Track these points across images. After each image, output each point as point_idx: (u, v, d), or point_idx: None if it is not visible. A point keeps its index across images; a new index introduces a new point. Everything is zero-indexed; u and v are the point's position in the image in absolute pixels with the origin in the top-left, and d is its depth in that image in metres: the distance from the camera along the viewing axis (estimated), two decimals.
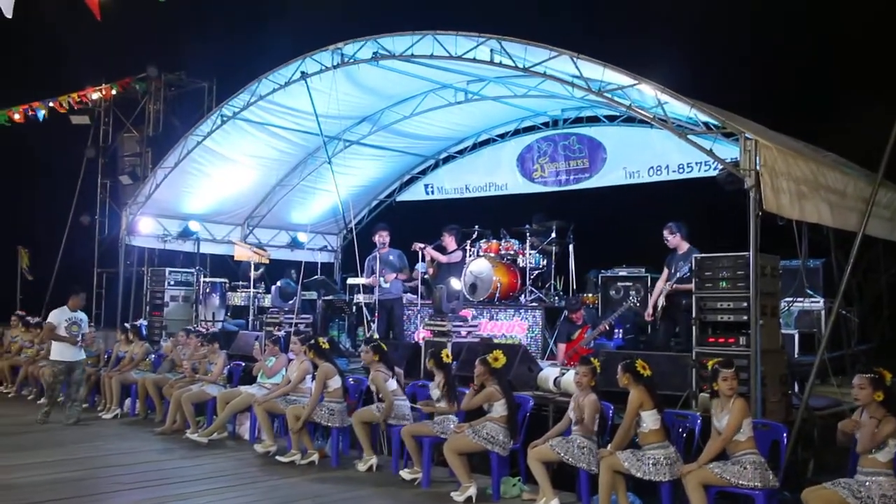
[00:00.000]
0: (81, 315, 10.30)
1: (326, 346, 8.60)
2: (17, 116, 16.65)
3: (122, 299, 13.53)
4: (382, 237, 11.59)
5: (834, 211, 7.87)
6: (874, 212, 7.97)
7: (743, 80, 13.25)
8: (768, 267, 7.31)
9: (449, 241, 11.65)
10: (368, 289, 11.37)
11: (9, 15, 5.37)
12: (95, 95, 17.35)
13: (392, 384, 8.03)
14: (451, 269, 11.66)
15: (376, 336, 10.60)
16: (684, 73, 10.86)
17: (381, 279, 11.28)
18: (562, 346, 10.08)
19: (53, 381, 10.15)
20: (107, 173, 17.68)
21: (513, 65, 8.97)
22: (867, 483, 5.23)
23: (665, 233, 9.14)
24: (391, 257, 11.56)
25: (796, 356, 9.28)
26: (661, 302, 9.03)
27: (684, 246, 9.00)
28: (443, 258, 11.71)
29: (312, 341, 8.60)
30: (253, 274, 12.83)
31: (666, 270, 9.13)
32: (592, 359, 6.90)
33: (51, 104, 16.85)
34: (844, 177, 8.26)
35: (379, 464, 7.93)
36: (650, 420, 6.13)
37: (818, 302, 10.03)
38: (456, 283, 10.15)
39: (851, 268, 7.34)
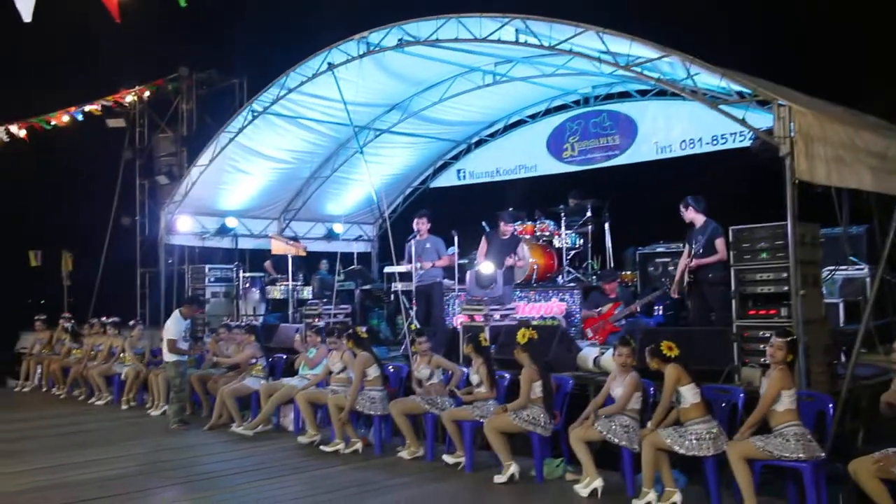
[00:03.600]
0: (190, 323, 10.35)
1: (365, 335, 8.67)
2: (65, 118, 16.89)
3: (164, 298, 13.71)
4: (420, 224, 11.54)
5: (875, 175, 7.64)
6: None
7: (777, 46, 12.97)
8: (808, 235, 7.14)
9: (507, 229, 11.25)
10: (406, 276, 11.35)
11: (28, 18, 5.38)
12: (129, 98, 17.57)
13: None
14: (503, 252, 11.30)
15: (416, 324, 10.61)
16: (715, 43, 10.67)
17: (418, 266, 11.24)
18: (585, 313, 10.03)
19: (181, 381, 9.92)
20: (144, 174, 17.91)
21: (538, 44, 8.88)
22: None
23: (681, 208, 9.01)
24: (428, 244, 11.52)
25: (842, 325, 9.10)
26: (686, 278, 8.90)
27: (700, 219, 8.87)
28: (518, 262, 10.94)
29: (351, 331, 8.66)
30: (271, 272, 13.01)
31: (687, 246, 9.01)
32: (627, 337, 6.84)
33: (87, 108, 17.11)
34: (885, 139, 8.02)
35: (423, 451, 7.95)
36: (689, 394, 6.06)
37: (863, 269, 9.80)
38: (488, 268, 10.06)
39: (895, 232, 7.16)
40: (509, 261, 10.54)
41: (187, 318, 10.13)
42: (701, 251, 8.63)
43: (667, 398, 6.16)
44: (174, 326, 9.93)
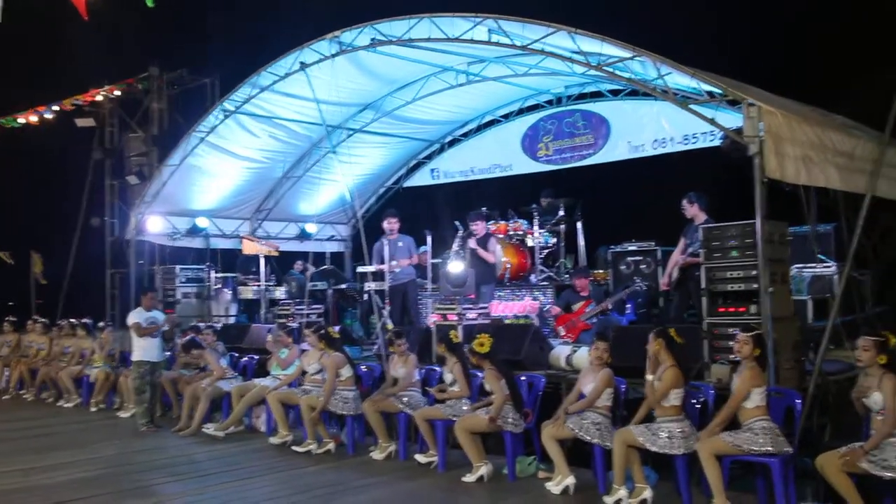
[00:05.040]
0: (158, 314, 10.14)
1: (336, 335, 8.65)
2: (33, 118, 16.68)
3: (134, 299, 13.55)
4: (391, 224, 11.51)
5: (842, 174, 7.76)
6: (885, 172, 7.88)
7: (746, 47, 13.10)
8: (776, 234, 7.22)
9: (480, 228, 11.26)
10: (379, 276, 11.32)
11: None
12: (99, 97, 17.36)
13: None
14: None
15: (390, 324, 10.58)
16: (686, 43, 10.74)
17: (395, 263, 11.20)
18: (556, 309, 10.04)
19: (140, 383, 9.78)
20: (114, 174, 17.67)
21: (511, 43, 8.92)
22: (885, 446, 5.19)
23: (684, 202, 9.00)
24: (401, 243, 11.49)
25: (810, 322, 9.20)
26: (675, 273, 8.96)
27: (701, 217, 8.86)
28: (488, 257, 10.92)
29: (323, 331, 8.64)
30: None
31: (682, 241, 9.05)
32: (605, 332, 6.88)
33: (56, 108, 16.90)
34: (852, 139, 8.14)
35: (396, 450, 7.94)
36: (674, 397, 6.11)
37: (830, 267, 9.92)
38: (457, 267, 10.07)
39: (865, 231, 7.26)
40: (476, 247, 10.55)
41: (150, 308, 10.01)
42: (696, 250, 8.59)
43: (659, 397, 6.16)
44: (137, 315, 9.89)
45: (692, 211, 8.98)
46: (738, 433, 5.74)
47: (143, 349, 9.82)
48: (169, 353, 11.06)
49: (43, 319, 13.82)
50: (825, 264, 9.81)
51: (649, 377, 6.23)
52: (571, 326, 9.70)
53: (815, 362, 6.96)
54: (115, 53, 17.80)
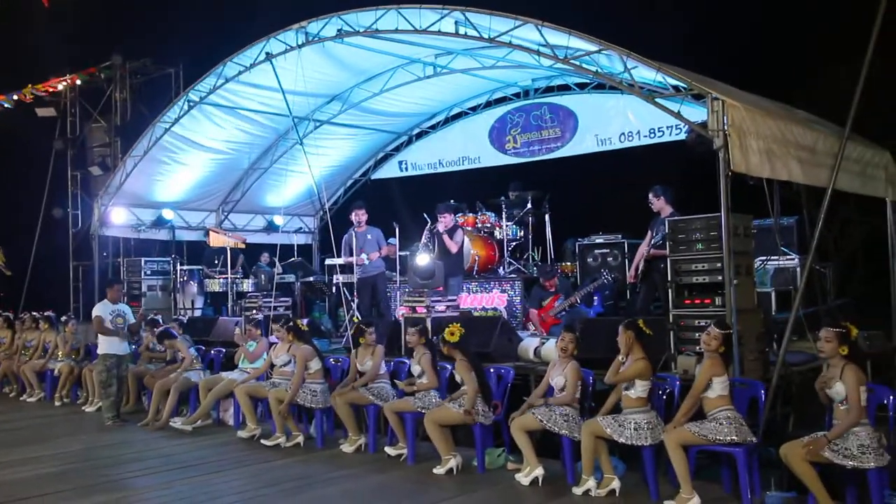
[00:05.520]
0: (124, 307, 9.94)
1: (305, 328, 8.62)
2: None
3: (98, 291, 13.38)
4: (359, 216, 11.47)
5: (804, 167, 7.89)
6: (845, 166, 8.01)
7: (712, 42, 13.26)
8: (741, 227, 7.33)
9: (448, 220, 11.23)
10: (347, 268, 11.29)
11: None
12: (61, 86, 17.08)
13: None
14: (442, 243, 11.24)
15: (356, 316, 10.57)
16: (653, 38, 10.84)
17: (364, 257, 11.17)
18: (534, 312, 10.10)
19: (107, 376, 9.61)
20: (77, 165, 17.41)
21: (478, 35, 8.91)
22: (847, 436, 5.30)
23: (650, 195, 9.11)
24: (369, 236, 11.47)
25: (774, 313, 9.36)
26: (642, 266, 9.06)
27: (667, 210, 8.96)
28: (451, 245, 10.82)
29: (291, 324, 8.60)
30: (230, 262, 12.77)
31: (649, 234, 9.14)
32: (571, 323, 6.93)
33: (15, 97, 16.59)
34: (814, 133, 8.28)
35: (365, 443, 7.94)
36: (640, 388, 6.17)
37: (793, 259, 10.10)
38: (423, 259, 10.09)
39: (826, 224, 7.40)
40: (449, 243, 10.59)
41: (115, 301, 9.85)
42: (661, 242, 8.71)
43: (621, 380, 6.23)
44: (101, 308, 9.73)
45: (658, 204, 9.07)
46: (703, 423, 5.83)
47: (109, 342, 9.67)
48: (134, 347, 10.93)
49: (5, 313, 13.58)
50: (788, 257, 9.99)
51: (620, 357, 6.30)
52: (542, 321, 9.77)
53: (779, 353, 7.09)
54: (77, 41, 17.51)
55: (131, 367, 10.38)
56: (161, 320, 10.97)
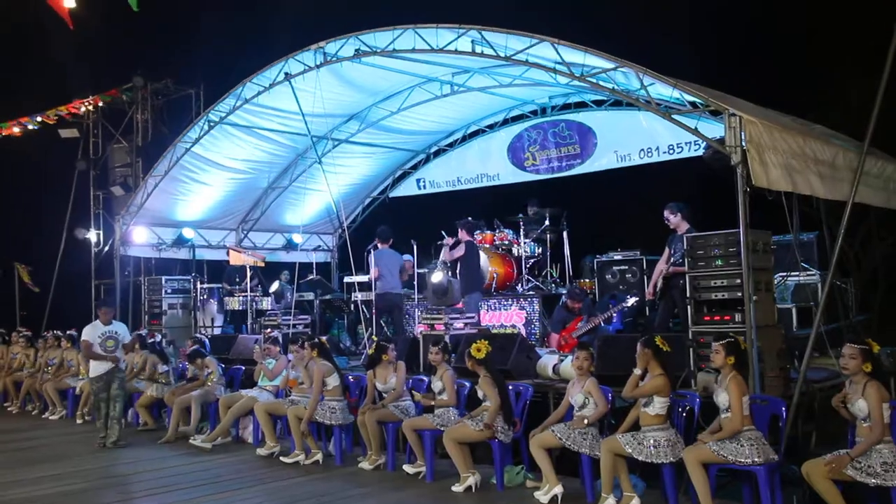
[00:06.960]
0: (117, 327, 9.75)
1: (327, 345, 8.67)
2: (16, 129, 16.62)
3: (119, 310, 13.49)
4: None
5: (824, 182, 7.85)
6: (865, 181, 7.97)
7: (730, 59, 13.25)
8: (760, 242, 7.30)
9: (461, 235, 11.20)
10: (366, 286, 11.32)
11: None
12: (83, 108, 17.33)
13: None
14: (463, 263, 11.30)
15: (374, 335, 10.58)
16: (670, 54, 10.85)
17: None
18: (555, 336, 9.94)
19: (95, 399, 9.63)
20: (99, 185, 17.65)
21: (495, 54, 8.97)
22: (870, 453, 5.24)
23: (666, 213, 9.08)
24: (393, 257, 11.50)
25: (794, 330, 9.28)
26: (660, 283, 9.01)
27: (684, 226, 8.92)
28: (447, 255, 11.07)
29: (315, 340, 8.63)
30: (249, 282, 12.84)
31: (667, 251, 9.10)
32: (585, 341, 6.90)
33: (39, 118, 16.83)
34: (833, 148, 8.24)
35: (384, 461, 7.93)
36: (659, 405, 6.13)
37: (814, 275, 10.01)
38: (436, 276, 10.10)
39: (848, 239, 7.34)
40: (445, 254, 10.65)
41: (107, 322, 9.64)
42: (680, 260, 8.67)
43: (638, 394, 6.20)
44: (90, 331, 9.56)
45: (675, 221, 9.05)
46: (724, 443, 5.76)
47: (96, 366, 9.53)
48: (166, 369, 10.88)
49: (27, 332, 13.72)
50: (808, 272, 9.90)
51: (637, 371, 6.27)
52: (564, 343, 9.71)
53: (800, 370, 7.02)
54: (99, 63, 17.79)
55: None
56: (144, 333, 11.04)
